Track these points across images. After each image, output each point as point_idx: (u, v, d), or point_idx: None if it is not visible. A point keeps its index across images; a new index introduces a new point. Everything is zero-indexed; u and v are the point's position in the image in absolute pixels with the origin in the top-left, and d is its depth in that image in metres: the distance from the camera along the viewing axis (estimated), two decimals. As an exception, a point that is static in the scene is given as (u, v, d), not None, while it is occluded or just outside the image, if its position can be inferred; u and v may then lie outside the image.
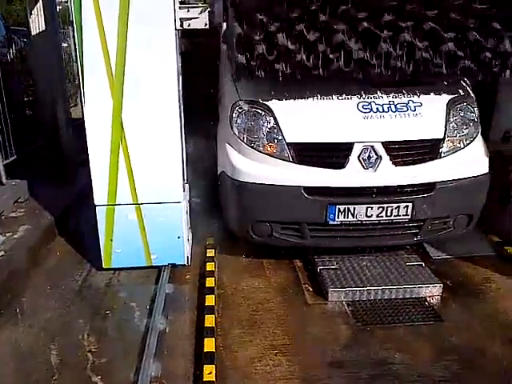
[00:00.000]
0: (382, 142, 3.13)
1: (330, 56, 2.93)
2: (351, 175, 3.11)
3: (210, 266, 3.42)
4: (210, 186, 3.82)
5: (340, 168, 3.11)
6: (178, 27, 3.01)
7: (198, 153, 3.96)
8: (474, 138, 3.33)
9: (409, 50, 2.94)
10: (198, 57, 4.15)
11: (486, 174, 3.31)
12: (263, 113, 3.22)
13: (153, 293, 3.13)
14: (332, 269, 3.35)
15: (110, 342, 2.74)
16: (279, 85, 3.17)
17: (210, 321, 2.79)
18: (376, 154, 3.12)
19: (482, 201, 3.36)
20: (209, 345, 2.58)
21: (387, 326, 2.88)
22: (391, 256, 3.53)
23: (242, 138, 3.25)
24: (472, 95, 3.43)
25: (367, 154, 3.11)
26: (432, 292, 3.16)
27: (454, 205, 3.27)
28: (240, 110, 3.29)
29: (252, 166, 3.21)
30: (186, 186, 3.51)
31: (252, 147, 3.23)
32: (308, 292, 3.22)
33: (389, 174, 3.12)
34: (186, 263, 3.43)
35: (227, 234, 3.63)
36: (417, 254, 3.62)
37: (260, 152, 3.21)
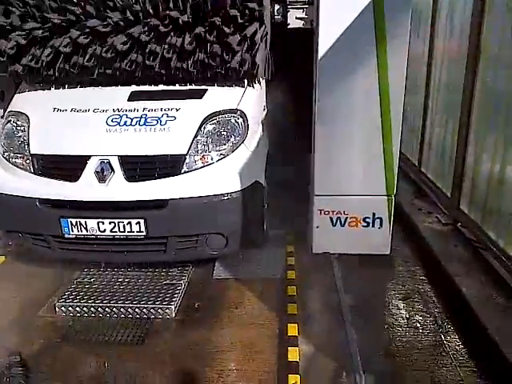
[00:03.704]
0: (119, 156, 3.06)
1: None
2: (83, 189, 3.06)
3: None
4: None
5: (74, 181, 3.07)
6: None
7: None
8: (227, 155, 3.13)
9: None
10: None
11: (237, 191, 3.09)
12: (19, 122, 3.28)
13: None
14: (86, 282, 3.32)
15: None
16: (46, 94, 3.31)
17: None
18: (111, 167, 3.05)
19: (236, 220, 3.14)
20: None
21: (92, 346, 2.79)
22: (161, 273, 3.43)
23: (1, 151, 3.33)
24: (240, 108, 3.24)
25: (101, 168, 3.05)
26: (162, 314, 3.02)
27: (197, 223, 3.09)
28: (3, 121, 3.36)
29: (1, 177, 3.26)
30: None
31: (5, 158, 3.29)
32: (49, 305, 3.19)
33: (119, 189, 3.03)
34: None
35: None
36: (201, 272, 3.50)
37: (11, 163, 3.25)
